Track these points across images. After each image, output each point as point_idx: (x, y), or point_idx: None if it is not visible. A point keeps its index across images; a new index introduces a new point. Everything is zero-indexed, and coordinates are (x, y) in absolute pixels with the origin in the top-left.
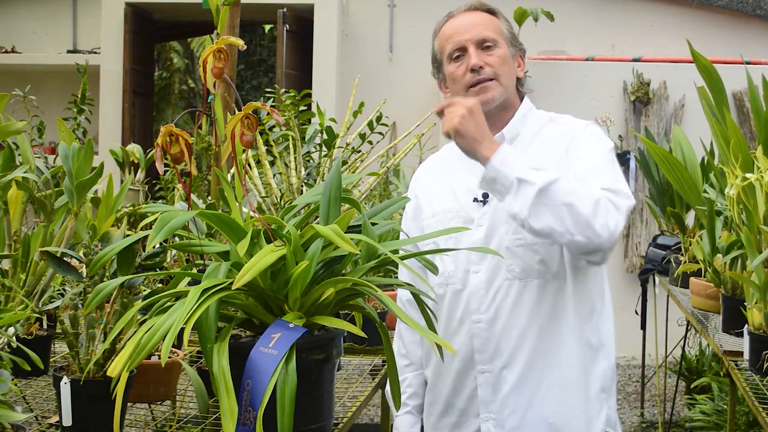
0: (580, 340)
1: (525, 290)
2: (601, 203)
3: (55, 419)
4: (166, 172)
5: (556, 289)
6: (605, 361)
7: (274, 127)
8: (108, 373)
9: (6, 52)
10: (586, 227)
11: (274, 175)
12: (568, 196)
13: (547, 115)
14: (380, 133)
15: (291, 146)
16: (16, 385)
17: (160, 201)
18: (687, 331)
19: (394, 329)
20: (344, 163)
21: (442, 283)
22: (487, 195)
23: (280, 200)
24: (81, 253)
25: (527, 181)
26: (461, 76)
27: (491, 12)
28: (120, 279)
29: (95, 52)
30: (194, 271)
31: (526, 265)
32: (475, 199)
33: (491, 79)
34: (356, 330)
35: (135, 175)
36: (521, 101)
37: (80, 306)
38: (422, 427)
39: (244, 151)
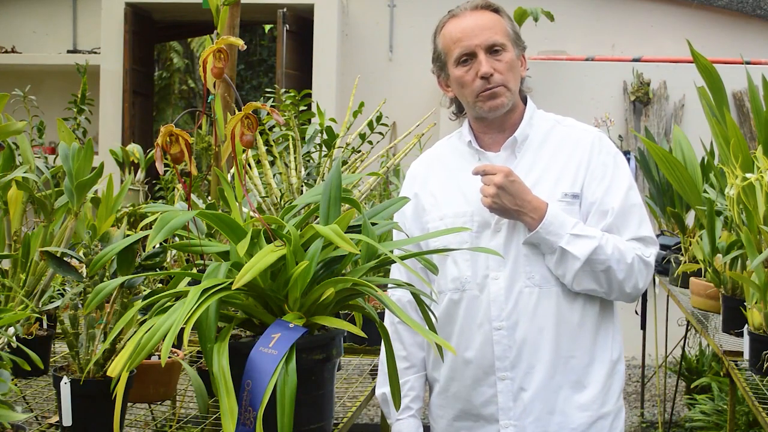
0: (602, 351)
1: (545, 298)
2: (634, 266)
3: (55, 419)
4: (166, 172)
5: (575, 297)
6: (621, 368)
7: (274, 127)
8: (108, 373)
9: (6, 52)
10: (619, 290)
11: (274, 175)
12: (605, 263)
13: (551, 116)
14: (380, 133)
15: (291, 146)
16: (16, 385)
17: (160, 201)
18: (687, 331)
19: None
20: (344, 163)
21: (457, 288)
22: None
23: (280, 200)
24: (81, 253)
25: (572, 254)
26: (470, 82)
27: (496, 11)
28: (120, 279)
29: (95, 52)
30: (194, 271)
31: (545, 273)
32: None
33: (501, 86)
34: (356, 330)
35: (135, 175)
36: (523, 101)
37: (80, 306)
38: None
39: (244, 151)
